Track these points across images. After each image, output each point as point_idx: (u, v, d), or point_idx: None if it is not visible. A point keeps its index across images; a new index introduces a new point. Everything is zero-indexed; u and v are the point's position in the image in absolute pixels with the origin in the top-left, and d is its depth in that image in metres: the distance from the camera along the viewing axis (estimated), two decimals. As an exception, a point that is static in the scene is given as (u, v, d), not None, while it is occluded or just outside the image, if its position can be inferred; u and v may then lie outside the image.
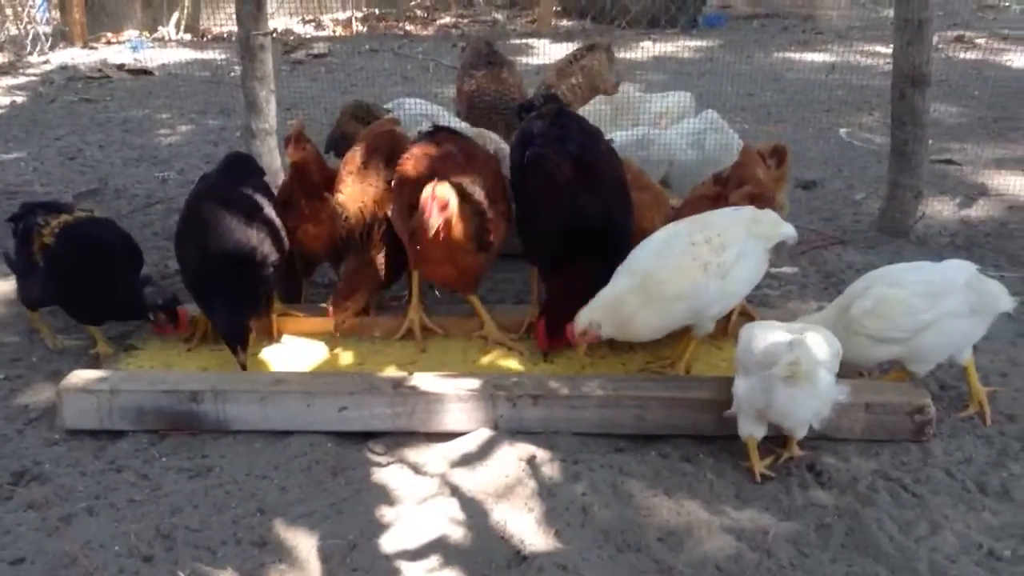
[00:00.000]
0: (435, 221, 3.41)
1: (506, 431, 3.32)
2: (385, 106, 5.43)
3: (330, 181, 4.12)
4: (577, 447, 3.24)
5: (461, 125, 5.10)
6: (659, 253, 3.47)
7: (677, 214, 3.94)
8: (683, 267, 3.39)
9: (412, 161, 3.80)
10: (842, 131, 7.40)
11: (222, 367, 3.81)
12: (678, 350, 3.73)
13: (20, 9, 10.72)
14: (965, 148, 6.80)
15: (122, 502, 3.04)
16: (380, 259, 4.01)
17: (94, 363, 3.87)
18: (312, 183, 4.10)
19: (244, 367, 3.71)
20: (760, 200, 3.72)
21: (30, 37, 10.45)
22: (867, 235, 5.31)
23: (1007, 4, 11.91)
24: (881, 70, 8.82)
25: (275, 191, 4.17)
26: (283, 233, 3.92)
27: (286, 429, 3.38)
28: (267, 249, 3.79)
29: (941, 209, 5.67)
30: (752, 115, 7.85)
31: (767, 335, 3.06)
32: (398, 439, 3.36)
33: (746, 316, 3.95)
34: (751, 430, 3.11)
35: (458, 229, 3.55)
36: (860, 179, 6.33)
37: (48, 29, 11.18)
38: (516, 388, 3.37)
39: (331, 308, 3.94)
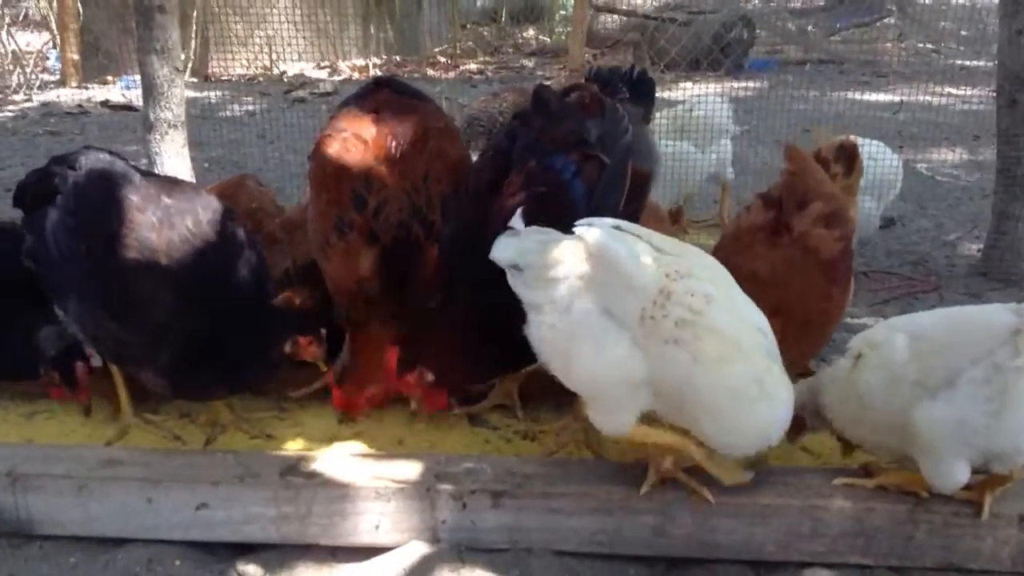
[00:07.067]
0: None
1: (451, 546, 2.27)
2: None
3: None
4: (560, 575, 2.19)
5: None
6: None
7: (716, 253, 2.67)
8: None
9: (340, 143, 2.70)
10: (921, 167, 6.22)
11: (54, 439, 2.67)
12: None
13: (23, 54, 10.37)
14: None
15: None
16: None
17: None
18: None
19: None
20: (836, 221, 2.65)
21: (15, 75, 9.98)
22: (967, 281, 4.28)
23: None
24: (957, 109, 7.70)
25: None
26: None
27: (117, 536, 2.34)
28: None
29: (1060, 250, 4.50)
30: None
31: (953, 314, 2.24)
32: (285, 556, 2.31)
33: None
34: (963, 474, 2.10)
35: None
36: (949, 217, 5.26)
37: (56, 78, 10.89)
38: (468, 478, 2.29)
39: None
